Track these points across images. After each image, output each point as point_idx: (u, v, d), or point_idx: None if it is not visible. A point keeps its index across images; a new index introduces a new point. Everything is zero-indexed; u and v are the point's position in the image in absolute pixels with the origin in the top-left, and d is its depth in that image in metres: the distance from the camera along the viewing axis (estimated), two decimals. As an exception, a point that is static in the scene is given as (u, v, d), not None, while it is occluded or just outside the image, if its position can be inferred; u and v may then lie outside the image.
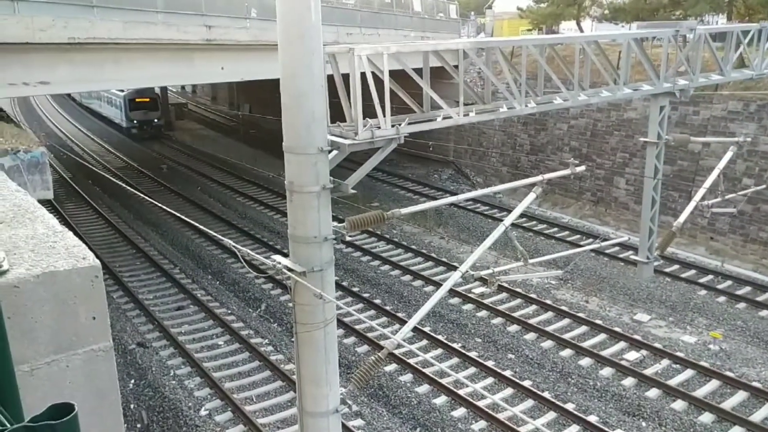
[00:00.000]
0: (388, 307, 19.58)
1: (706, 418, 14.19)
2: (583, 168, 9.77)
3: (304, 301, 7.22)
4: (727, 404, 14.58)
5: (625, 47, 10.30)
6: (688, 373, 15.80)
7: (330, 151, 7.26)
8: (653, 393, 15.16)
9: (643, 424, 14.10)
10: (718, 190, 12.58)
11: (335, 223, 7.36)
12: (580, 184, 27.12)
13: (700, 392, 15.04)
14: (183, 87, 48.73)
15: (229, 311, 19.77)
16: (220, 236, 8.22)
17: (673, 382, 15.42)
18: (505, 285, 19.70)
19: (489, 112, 9.01)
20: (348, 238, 7.43)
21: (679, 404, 14.70)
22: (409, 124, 8.11)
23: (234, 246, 7.25)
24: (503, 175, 29.67)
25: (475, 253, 8.75)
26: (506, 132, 30.66)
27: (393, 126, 7.72)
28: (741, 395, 14.91)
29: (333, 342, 7.60)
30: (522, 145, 30.10)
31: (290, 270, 7.01)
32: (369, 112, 7.64)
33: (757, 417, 14.09)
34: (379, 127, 7.58)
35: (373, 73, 7.46)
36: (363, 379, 7.88)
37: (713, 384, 15.38)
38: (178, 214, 9.53)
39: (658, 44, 10.94)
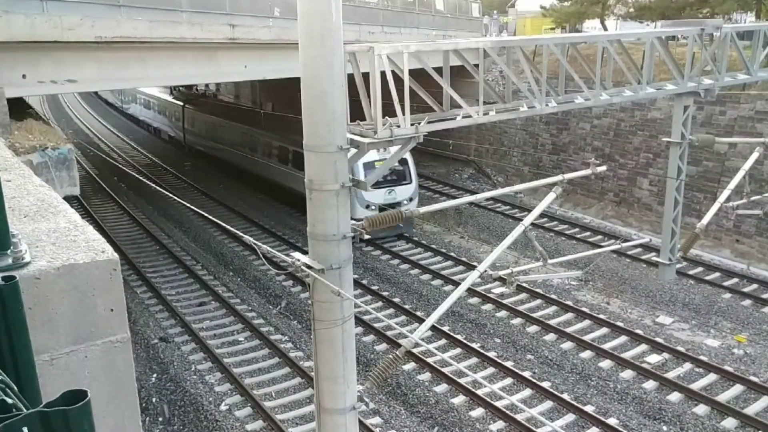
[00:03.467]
0: (407, 306, 19.59)
1: (729, 423, 13.96)
2: (604, 168, 9.68)
3: (322, 299, 7.27)
4: (751, 410, 14.32)
5: (649, 46, 10.17)
6: (711, 377, 15.55)
7: (350, 150, 7.30)
8: (675, 397, 14.95)
9: (665, 428, 13.92)
10: (744, 192, 12.37)
11: (354, 222, 7.41)
12: (602, 184, 26.83)
13: (723, 397, 14.80)
14: (207, 85, 48.76)
15: (250, 308, 19.96)
16: (240, 233, 8.31)
17: (695, 386, 15.19)
18: (525, 285, 19.59)
19: (509, 111, 8.97)
20: (367, 237, 7.46)
21: (701, 408, 14.47)
22: (429, 122, 8.11)
23: (254, 243, 7.33)
24: (524, 175, 29.47)
25: (493, 253, 8.72)
26: (528, 131, 30.45)
27: (412, 125, 7.73)
28: (765, 401, 14.63)
29: (351, 339, 7.64)
30: (544, 144, 29.86)
31: (309, 267, 7.07)
32: (389, 110, 7.66)
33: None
34: (399, 126, 7.60)
35: (393, 71, 7.48)
36: (380, 377, 7.91)
37: (737, 389, 15.11)
38: (200, 211, 9.65)
39: (684, 43, 10.79)
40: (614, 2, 37.85)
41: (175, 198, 10.71)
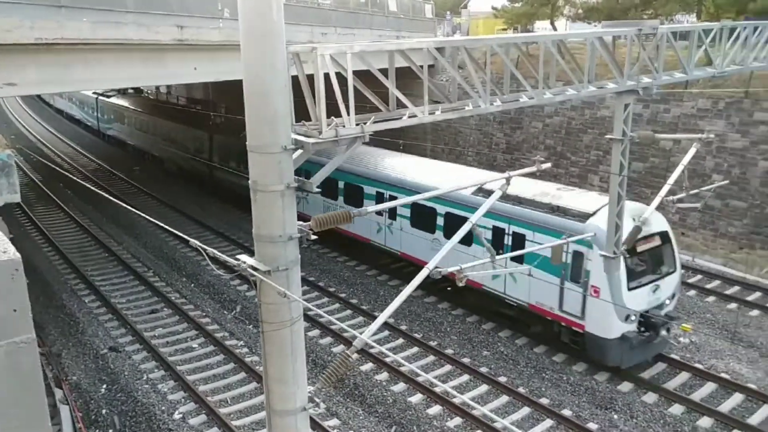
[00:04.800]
0: (364, 307, 19.63)
1: (676, 409, 14.46)
2: (548, 165, 9.89)
3: (269, 300, 7.22)
4: (697, 395, 14.86)
5: (590, 46, 10.45)
6: (659, 366, 16.07)
7: (294, 150, 7.27)
8: (625, 387, 15.39)
9: (615, 416, 14.32)
10: (684, 186, 12.82)
11: (300, 222, 7.38)
12: (556, 181, 27.36)
13: (670, 384, 15.31)
14: (157, 88, 48.00)
15: (204, 313, 19.67)
16: (186, 236, 8.19)
17: (645, 375, 15.69)
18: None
19: (455, 110, 9.07)
20: (313, 238, 7.43)
21: (650, 397, 14.95)
22: (375, 122, 8.14)
23: (200, 246, 7.23)
24: (479, 174, 29.83)
25: (442, 250, 8.82)
26: (482, 131, 30.86)
27: (358, 124, 7.75)
28: (710, 386, 15.20)
29: (300, 340, 7.60)
30: (498, 143, 30.32)
31: (255, 269, 7.01)
32: (336, 111, 7.67)
33: (725, 407, 14.38)
34: (344, 126, 7.60)
35: (338, 72, 7.49)
36: (332, 378, 7.89)
37: (683, 376, 15.66)
38: (149, 216, 9.47)
39: (626, 43, 11.12)
40: (563, 3, 38.75)
41: (123, 204, 10.46)
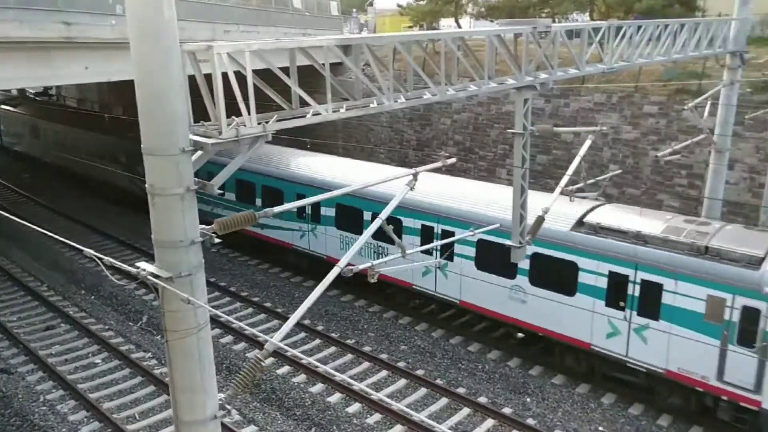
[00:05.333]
0: (279, 310, 19.34)
1: (582, 389, 15.21)
2: (453, 160, 10.11)
3: (173, 308, 6.94)
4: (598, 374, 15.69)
5: (489, 43, 10.75)
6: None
7: (194, 152, 7.03)
8: (536, 371, 16.03)
9: (528, 399, 14.89)
10: (581, 176, 13.47)
11: (203, 226, 7.14)
12: (464, 175, 28.05)
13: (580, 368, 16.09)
14: (46, 89, 45.02)
15: (107, 327, 18.67)
16: (79, 246, 7.72)
17: (554, 360, 16.39)
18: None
19: (359, 108, 9.07)
20: (217, 241, 7.21)
21: (558, 378, 15.64)
22: (278, 121, 8.01)
23: (95, 255, 6.85)
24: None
25: (352, 249, 8.80)
26: (393, 128, 31.17)
27: (260, 123, 7.59)
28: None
29: (208, 347, 7.37)
30: (409, 140, 30.73)
31: (155, 276, 6.72)
32: (238, 110, 7.47)
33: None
34: (245, 125, 7.42)
35: (238, 71, 7.30)
36: (243, 383, 7.70)
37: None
38: (41, 228, 8.84)
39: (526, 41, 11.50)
40: (466, 1, 39.78)
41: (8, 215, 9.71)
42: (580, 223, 14.55)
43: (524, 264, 14.77)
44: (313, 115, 8.46)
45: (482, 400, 14.80)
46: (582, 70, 12.47)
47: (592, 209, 15.14)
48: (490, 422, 13.93)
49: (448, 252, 16.37)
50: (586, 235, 14.18)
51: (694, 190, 22.64)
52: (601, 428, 13.76)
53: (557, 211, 13.73)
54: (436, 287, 17.33)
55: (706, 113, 17.40)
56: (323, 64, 8.71)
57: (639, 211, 15.62)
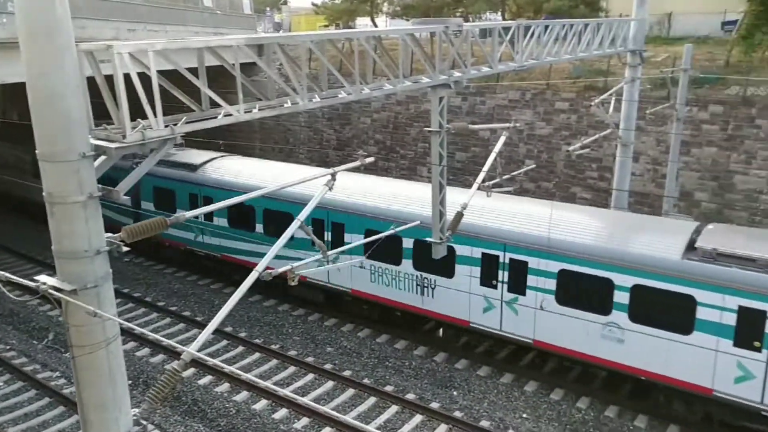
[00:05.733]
0: (199, 318, 18.76)
1: (506, 378, 15.63)
2: (372, 159, 10.11)
3: (78, 322, 6.56)
4: (523, 361, 16.19)
5: (402, 42, 10.84)
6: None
7: (97, 157, 6.67)
8: (461, 364, 16.32)
9: (455, 393, 15.13)
10: (497, 171, 13.81)
11: (109, 234, 6.80)
12: (387, 174, 28.24)
13: (501, 355, 16.53)
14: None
15: (8, 346, 17.47)
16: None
17: (480, 350, 16.75)
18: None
19: (273, 108, 8.91)
20: (124, 249, 6.87)
21: (483, 370, 15.99)
22: (187, 123, 7.74)
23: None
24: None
25: (271, 252, 8.61)
26: (312, 128, 30.96)
27: (167, 126, 7.30)
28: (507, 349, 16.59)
29: (119, 361, 7.02)
30: (329, 140, 30.60)
31: (57, 289, 6.33)
32: (144, 112, 7.16)
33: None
34: (152, 128, 7.12)
35: (143, 72, 6.99)
36: (159, 395, 7.38)
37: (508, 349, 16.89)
38: None
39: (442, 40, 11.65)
40: (382, 0, 40.04)
41: None
42: (690, 249, 12.94)
43: (622, 298, 13.38)
44: (225, 116, 8.24)
45: (410, 396, 14.93)
46: (494, 68, 12.80)
47: (696, 231, 13.73)
48: (418, 418, 14.05)
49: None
50: (702, 263, 12.58)
51: (604, 182, 23.77)
52: (525, 415, 14.18)
53: (653, 236, 13.20)
54: (501, 325, 15.24)
55: (611, 109, 18.27)
56: (233, 64, 8.49)
57: (747, 231, 14.70)
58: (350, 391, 15.19)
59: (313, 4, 42.50)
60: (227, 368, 6.74)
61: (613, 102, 18.18)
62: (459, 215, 12.15)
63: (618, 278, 13.30)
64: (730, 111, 22.18)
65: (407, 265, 16.35)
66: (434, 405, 14.53)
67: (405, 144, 29.20)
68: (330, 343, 17.49)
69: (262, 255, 8.60)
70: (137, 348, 16.99)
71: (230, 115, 8.21)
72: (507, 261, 14.72)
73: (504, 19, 36.23)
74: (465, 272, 15.42)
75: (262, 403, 14.61)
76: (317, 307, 19.08)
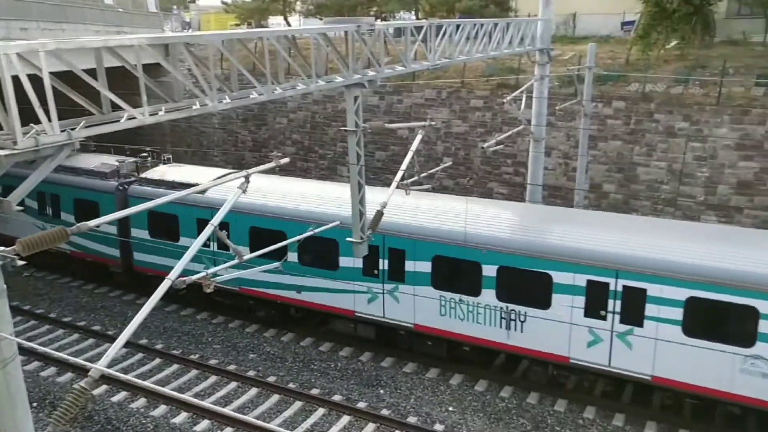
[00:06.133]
0: (110, 332, 17.83)
1: (432, 373, 15.80)
2: (286, 160, 9.93)
3: (-31, 345, 6.07)
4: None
5: (314, 42, 10.72)
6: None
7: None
8: (387, 362, 16.36)
9: (381, 391, 15.15)
10: (415, 170, 13.94)
11: (1, 248, 6.31)
12: (306, 174, 27.97)
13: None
14: None
15: None
16: None
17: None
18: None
19: (181, 110, 8.57)
20: (20, 263, 6.40)
21: (409, 367, 16.10)
22: (87, 127, 7.31)
23: None
24: (230, 174, 29.22)
25: (183, 259, 8.27)
26: (226, 129, 30.22)
27: (64, 131, 6.87)
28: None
29: (18, 383, 6.56)
30: (244, 141, 29.97)
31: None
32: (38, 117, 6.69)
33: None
34: (46, 133, 6.68)
35: (34, 73, 6.54)
36: (65, 416, 6.92)
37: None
38: None
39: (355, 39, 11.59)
40: (294, -1, 39.63)
41: None
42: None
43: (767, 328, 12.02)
44: (129, 119, 7.85)
45: (336, 398, 14.82)
46: (408, 67, 12.90)
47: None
48: (345, 419, 13.97)
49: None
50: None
51: (519, 177, 24.53)
52: (451, 408, 14.39)
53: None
54: (610, 361, 13.49)
55: (522, 106, 18.84)
56: (135, 65, 8.10)
57: None
58: (275, 397, 14.91)
59: (223, 2, 41.43)
60: (142, 383, 6.42)
61: (524, 99, 18.76)
62: (379, 215, 12.15)
63: (764, 306, 11.96)
64: (632, 106, 23.43)
65: (489, 295, 14.45)
66: (361, 405, 14.50)
67: (324, 144, 29.03)
68: (253, 350, 17.10)
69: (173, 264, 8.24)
70: (42, 368, 15.96)
71: (134, 118, 7.83)
72: (619, 289, 13.23)
73: (417, 18, 36.69)
74: (565, 302, 13.71)
75: (182, 416, 14.07)
76: (237, 314, 18.59)
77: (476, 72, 27.45)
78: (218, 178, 10.40)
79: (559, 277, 13.57)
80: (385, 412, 14.20)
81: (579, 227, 14.06)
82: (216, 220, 8.70)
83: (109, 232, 19.06)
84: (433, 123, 14.95)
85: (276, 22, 41.77)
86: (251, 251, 12.17)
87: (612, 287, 13.14)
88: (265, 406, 14.58)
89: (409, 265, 15.17)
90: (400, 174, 12.88)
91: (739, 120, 21.56)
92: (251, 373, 15.87)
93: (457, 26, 14.59)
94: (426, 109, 27.25)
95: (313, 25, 36.31)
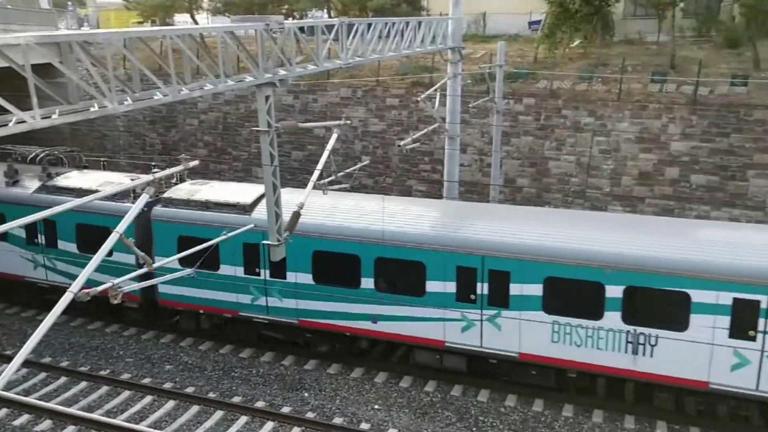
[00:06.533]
0: (8, 352, 16.46)
1: (356, 373, 15.72)
2: (196, 162, 9.55)
3: None
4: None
5: (221, 40, 10.35)
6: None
7: None
8: (311, 365, 16.14)
9: (306, 394, 14.94)
10: (332, 169, 13.79)
11: None
12: (220, 176, 27.17)
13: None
14: None
15: None
16: None
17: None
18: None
19: (77, 112, 8.03)
20: None
21: (333, 368, 15.95)
22: (-33, 133, 6.69)
23: None
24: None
25: (86, 270, 7.79)
26: (133, 132, 28.89)
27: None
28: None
29: None
30: (153, 144, 28.76)
31: None
32: None
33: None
34: None
35: None
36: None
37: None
38: None
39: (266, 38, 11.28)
40: (202, -4, 38.16)
41: None
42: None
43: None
44: (18, 123, 7.25)
45: (260, 404, 14.49)
46: (320, 66, 12.73)
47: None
48: (270, 425, 13.66)
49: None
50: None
51: (437, 174, 24.88)
52: (377, 406, 14.38)
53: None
54: (758, 385, 12.31)
55: (437, 104, 19.07)
56: (23, 66, 7.50)
57: None
58: (194, 408, 14.36)
59: (124, -1, 39.45)
60: (44, 404, 5.95)
61: (438, 97, 18.99)
62: (296, 216, 11.93)
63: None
64: (541, 103, 24.29)
65: (614, 318, 13.07)
66: (285, 409, 14.23)
67: (237, 145, 28.31)
68: (169, 361, 16.41)
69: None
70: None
71: (24, 122, 7.24)
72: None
73: (330, 17, 36.45)
74: (706, 323, 12.37)
75: (93, 438, 13.29)
76: (152, 325, 17.77)
77: (391, 70, 27.60)
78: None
79: (697, 295, 12.27)
80: (310, 415, 14.01)
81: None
82: (121, 227, 8.23)
83: None
84: (348, 122, 14.86)
85: (182, 20, 40.14)
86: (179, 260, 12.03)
87: (764, 305, 11.87)
88: (184, 418, 14.01)
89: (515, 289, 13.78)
90: (316, 173, 12.70)
91: (638, 115, 22.82)
92: (168, 385, 15.23)
93: (369, 25, 14.55)
94: (342, 108, 27.13)
95: (221, 23, 35.33)
